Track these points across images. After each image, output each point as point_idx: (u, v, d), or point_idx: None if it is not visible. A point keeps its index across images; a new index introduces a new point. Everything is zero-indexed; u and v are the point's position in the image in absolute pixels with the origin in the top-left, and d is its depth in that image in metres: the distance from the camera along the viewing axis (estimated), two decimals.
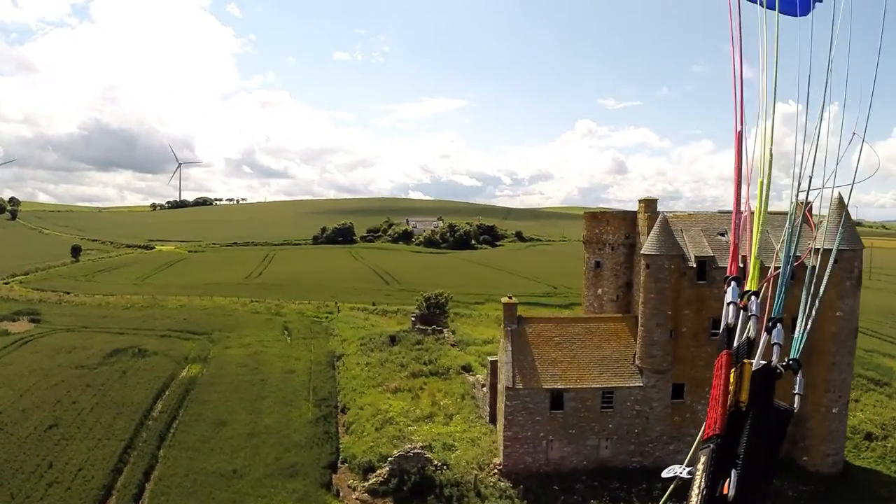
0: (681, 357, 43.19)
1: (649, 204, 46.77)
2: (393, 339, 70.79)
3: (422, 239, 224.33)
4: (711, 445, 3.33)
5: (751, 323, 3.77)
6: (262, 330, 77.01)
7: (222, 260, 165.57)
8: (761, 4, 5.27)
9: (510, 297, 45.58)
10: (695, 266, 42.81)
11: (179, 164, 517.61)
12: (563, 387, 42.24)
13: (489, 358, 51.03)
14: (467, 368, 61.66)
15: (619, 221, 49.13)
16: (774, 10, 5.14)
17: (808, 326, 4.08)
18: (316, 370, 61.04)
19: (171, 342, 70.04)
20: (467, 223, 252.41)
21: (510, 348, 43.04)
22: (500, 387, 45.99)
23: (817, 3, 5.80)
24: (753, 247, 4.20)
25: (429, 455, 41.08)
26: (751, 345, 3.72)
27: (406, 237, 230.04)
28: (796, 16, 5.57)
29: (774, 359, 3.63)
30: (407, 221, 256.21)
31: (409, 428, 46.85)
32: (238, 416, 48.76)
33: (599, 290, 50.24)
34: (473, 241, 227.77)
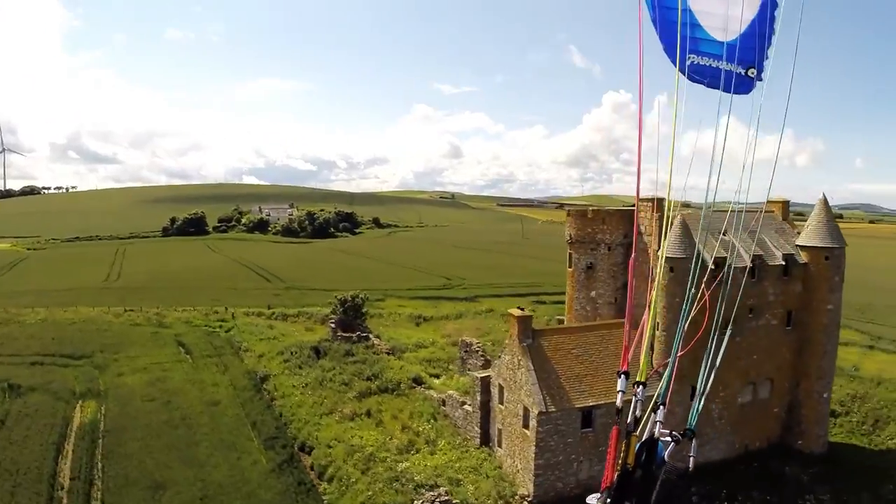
0: (697, 359, 39.61)
1: (658, 202, 42.38)
2: (318, 352, 61.37)
3: (279, 228, 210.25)
4: (604, 495, 5.45)
5: (637, 406, 6.03)
6: (153, 348, 63.98)
7: (68, 259, 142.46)
8: (707, 85, 7.91)
9: (521, 309, 39.21)
10: (714, 267, 38.95)
11: (3, 150, 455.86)
12: (594, 403, 36.73)
13: (477, 375, 44.19)
14: (419, 381, 54.14)
15: (617, 220, 44.35)
16: (716, 89, 7.81)
17: (703, 400, 6.74)
18: (244, 398, 50.59)
19: (46, 371, 55.44)
20: (322, 210, 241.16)
21: (532, 367, 36.56)
22: (505, 407, 39.64)
23: (758, 82, 8.19)
24: (644, 345, 6.76)
25: (456, 501, 33.72)
26: (637, 422, 5.88)
27: (262, 226, 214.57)
28: (737, 94, 7.95)
29: (656, 432, 5.89)
30: (259, 209, 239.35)
31: (401, 465, 38.88)
32: (176, 473, 37.95)
33: (593, 293, 45.09)
34: (332, 229, 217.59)
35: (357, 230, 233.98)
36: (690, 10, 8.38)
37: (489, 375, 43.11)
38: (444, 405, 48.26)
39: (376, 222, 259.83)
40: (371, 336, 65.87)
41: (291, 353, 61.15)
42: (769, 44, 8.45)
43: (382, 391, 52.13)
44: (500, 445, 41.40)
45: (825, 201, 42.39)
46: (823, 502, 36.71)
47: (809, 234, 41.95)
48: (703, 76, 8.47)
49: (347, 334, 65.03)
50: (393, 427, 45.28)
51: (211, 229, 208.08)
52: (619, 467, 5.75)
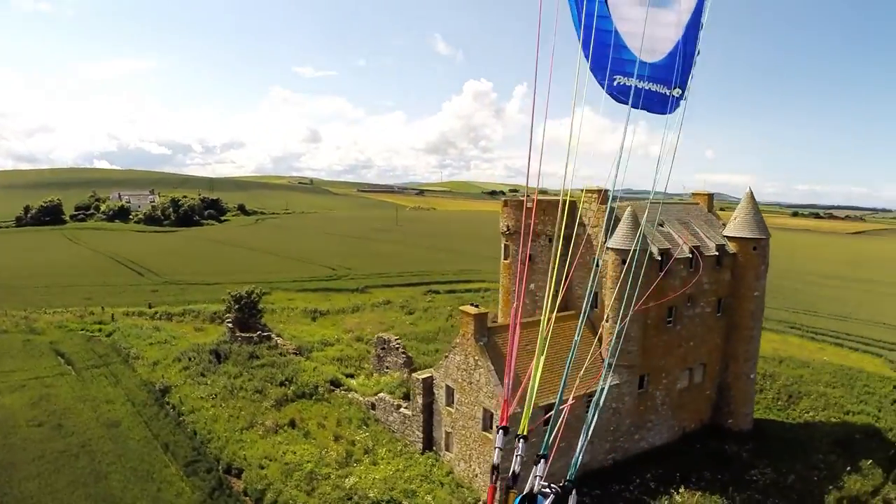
0: (643, 348, 38.64)
1: (602, 193, 40.74)
2: (218, 356, 54.65)
3: (142, 216, 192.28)
4: None
5: (516, 460, 5.76)
6: (28, 359, 53.95)
7: None
8: (632, 105, 7.81)
9: (476, 305, 36.07)
10: (659, 258, 38.12)
11: None
12: (555, 400, 34.39)
13: (417, 376, 40.34)
14: (336, 384, 49.57)
15: (559, 211, 42.12)
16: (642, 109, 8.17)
17: (581, 455, 6.71)
18: (148, 416, 43.49)
19: None
20: (184, 196, 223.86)
21: (492, 367, 33.56)
22: (457, 410, 36.34)
23: (682, 101, 8.22)
24: (529, 399, 6.84)
25: None
26: (516, 477, 5.61)
27: (122, 214, 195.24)
28: (664, 114, 8.11)
29: (536, 487, 5.44)
30: (119, 196, 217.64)
31: (348, 481, 34.50)
32: None
33: (532, 286, 42.74)
34: (197, 217, 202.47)
35: (223, 217, 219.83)
36: (617, 32, 8.09)
37: (431, 376, 39.72)
38: (373, 409, 44.28)
39: (242, 209, 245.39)
40: (273, 335, 59.96)
41: (189, 358, 54.02)
42: (693, 63, 8.32)
43: (300, 397, 46.99)
44: (447, 449, 38.01)
45: (751, 195, 42.78)
46: (766, 476, 36.85)
47: (738, 226, 42.07)
48: (627, 97, 8.25)
49: (247, 334, 58.62)
50: (323, 438, 40.62)
51: (68, 218, 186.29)
52: None
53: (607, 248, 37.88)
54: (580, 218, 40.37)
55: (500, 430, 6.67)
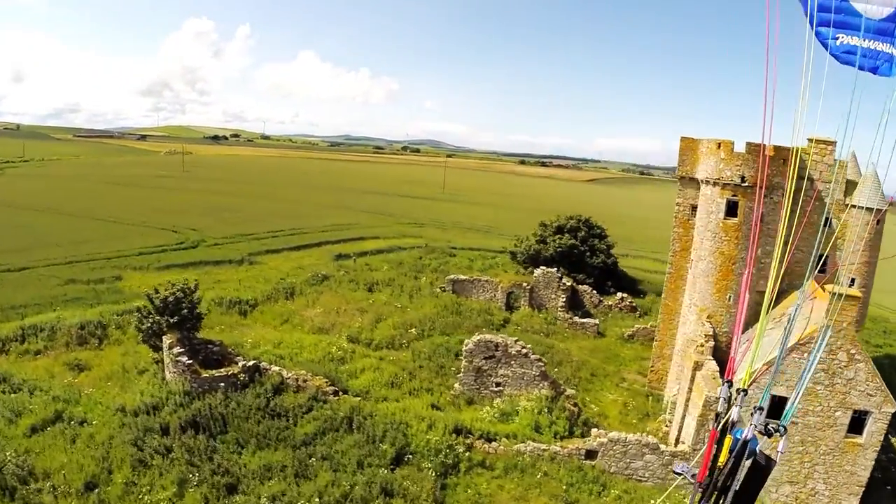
0: None
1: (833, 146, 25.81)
2: (211, 433, 25.43)
3: None
4: (700, 487, 4.75)
5: (734, 410, 4.92)
6: None
7: None
8: (858, 67, 5.42)
9: (851, 283, 20.76)
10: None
11: None
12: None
13: (716, 393, 20.42)
14: (460, 430, 25.96)
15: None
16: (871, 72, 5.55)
17: (798, 399, 5.42)
18: None
19: None
20: None
21: (868, 357, 19.81)
22: (796, 424, 19.10)
23: None
24: (752, 357, 5.90)
25: None
26: (734, 424, 4.84)
27: None
28: (889, 76, 5.45)
29: (749, 434, 4.78)
30: None
31: None
32: None
33: (759, 251, 26.45)
34: None
35: None
36: None
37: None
38: (588, 458, 23.08)
39: None
40: (263, 364, 30.69)
41: (162, 452, 22.23)
42: None
43: (444, 475, 22.97)
44: None
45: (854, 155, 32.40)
46: None
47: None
48: (853, 56, 5.74)
49: (225, 372, 28.64)
50: None
51: None
52: (713, 465, 4.98)
53: (851, 205, 25.79)
54: (804, 172, 26.01)
55: (726, 383, 5.34)
